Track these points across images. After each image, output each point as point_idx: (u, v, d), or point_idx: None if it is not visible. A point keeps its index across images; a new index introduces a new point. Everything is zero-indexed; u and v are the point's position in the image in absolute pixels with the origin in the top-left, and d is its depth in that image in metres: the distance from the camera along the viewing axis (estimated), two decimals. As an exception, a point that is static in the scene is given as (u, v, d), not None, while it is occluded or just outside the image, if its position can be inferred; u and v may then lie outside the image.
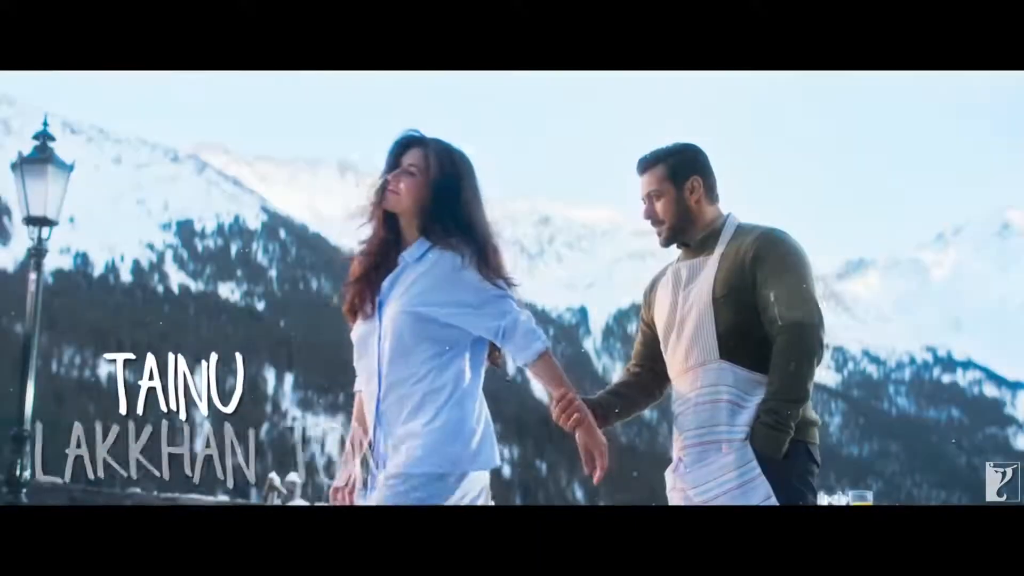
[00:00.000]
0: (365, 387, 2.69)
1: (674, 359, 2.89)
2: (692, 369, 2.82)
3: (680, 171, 2.91)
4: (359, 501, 2.65)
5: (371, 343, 2.66)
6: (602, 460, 2.59)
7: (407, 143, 2.71)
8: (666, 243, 2.97)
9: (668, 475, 2.89)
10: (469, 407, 2.64)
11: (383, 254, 2.71)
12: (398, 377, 2.62)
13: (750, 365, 2.76)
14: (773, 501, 2.64)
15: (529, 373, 2.71)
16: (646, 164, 2.95)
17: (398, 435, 2.61)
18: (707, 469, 2.74)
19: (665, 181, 2.92)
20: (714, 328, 2.79)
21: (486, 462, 2.64)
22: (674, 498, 2.85)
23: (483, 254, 2.66)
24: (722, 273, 2.81)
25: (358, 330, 2.70)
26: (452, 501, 2.57)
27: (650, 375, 3.05)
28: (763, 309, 2.74)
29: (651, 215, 2.95)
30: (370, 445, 2.67)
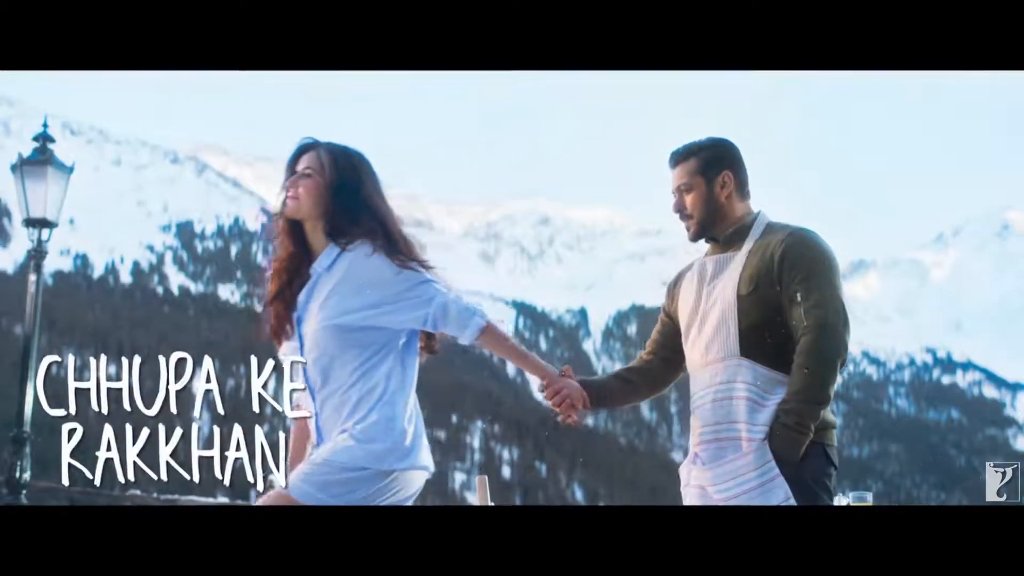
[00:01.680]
0: (303, 402, 2.67)
1: (694, 353, 2.88)
2: (712, 364, 2.82)
3: (712, 165, 2.90)
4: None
5: (298, 370, 2.62)
6: (577, 403, 2.79)
7: (300, 150, 2.70)
8: (694, 237, 2.96)
9: (683, 469, 2.89)
10: (400, 406, 2.63)
11: (294, 269, 2.69)
12: (331, 390, 2.61)
13: (770, 364, 2.75)
14: (791, 502, 2.64)
15: (479, 346, 2.71)
16: (678, 157, 2.93)
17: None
18: (727, 467, 2.73)
19: (696, 175, 2.90)
20: (736, 324, 2.78)
21: (417, 462, 2.63)
22: (690, 493, 2.84)
23: (392, 243, 2.64)
24: (748, 270, 2.80)
25: (285, 349, 2.68)
26: (375, 497, 2.55)
27: (661, 364, 3.05)
28: (788, 308, 2.74)
29: (680, 208, 2.94)
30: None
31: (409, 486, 2.63)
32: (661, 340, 3.08)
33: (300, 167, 2.67)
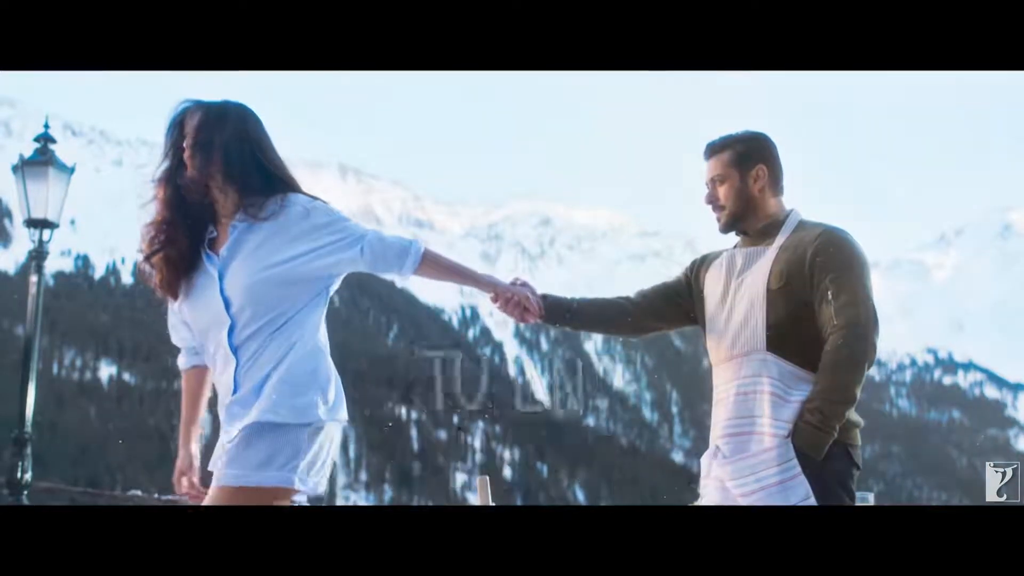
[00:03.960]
0: (213, 358, 2.63)
1: (719, 346, 2.87)
2: (736, 358, 2.81)
3: (747, 158, 2.90)
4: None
5: (220, 315, 2.59)
6: (530, 307, 2.87)
7: (183, 114, 2.65)
8: (724, 229, 2.95)
9: (704, 461, 2.88)
10: (320, 358, 2.62)
11: (191, 228, 2.64)
12: (259, 343, 2.57)
13: (795, 360, 2.74)
14: (811, 501, 2.63)
15: (423, 278, 2.72)
16: (713, 149, 2.94)
17: (244, 395, 2.57)
18: (748, 462, 2.72)
19: (730, 167, 2.90)
20: (764, 319, 2.77)
21: (340, 414, 2.63)
22: (710, 486, 2.84)
23: (295, 187, 2.64)
24: (779, 265, 2.79)
25: (199, 305, 2.63)
26: (317, 457, 2.55)
27: (645, 310, 3.05)
28: (818, 307, 2.72)
29: (713, 200, 2.93)
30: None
31: (336, 438, 2.62)
32: (663, 291, 3.07)
33: (191, 127, 2.62)
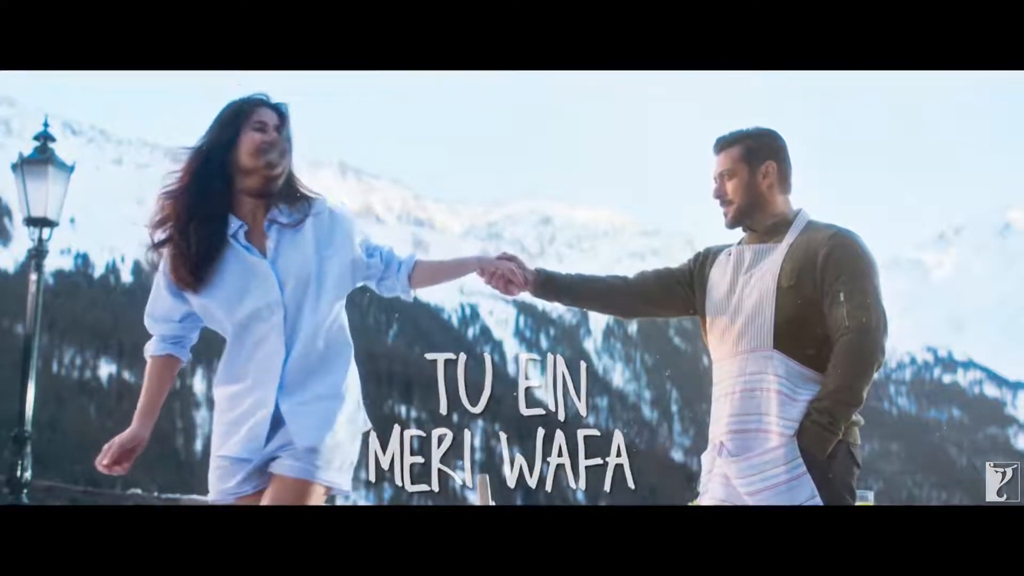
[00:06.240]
0: (251, 345, 2.64)
1: (724, 342, 2.88)
2: (741, 354, 2.82)
3: (756, 154, 2.91)
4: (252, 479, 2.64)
5: (271, 306, 2.62)
6: (515, 280, 2.90)
7: (254, 105, 2.68)
8: (732, 224, 2.96)
9: (707, 458, 2.89)
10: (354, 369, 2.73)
11: (222, 220, 2.67)
12: (310, 337, 2.63)
13: (802, 359, 2.76)
14: (817, 500, 2.65)
15: (419, 284, 2.80)
16: (723, 144, 2.95)
17: (310, 400, 2.62)
18: (755, 461, 2.73)
19: (739, 162, 2.91)
20: (773, 316, 2.78)
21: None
22: (713, 481, 2.84)
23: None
24: (790, 263, 2.80)
25: (241, 295, 2.64)
26: (352, 467, 2.66)
27: (636, 289, 3.06)
28: (828, 308, 2.74)
29: (720, 194, 2.95)
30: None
31: None
32: (664, 277, 3.07)
33: (271, 121, 2.68)
